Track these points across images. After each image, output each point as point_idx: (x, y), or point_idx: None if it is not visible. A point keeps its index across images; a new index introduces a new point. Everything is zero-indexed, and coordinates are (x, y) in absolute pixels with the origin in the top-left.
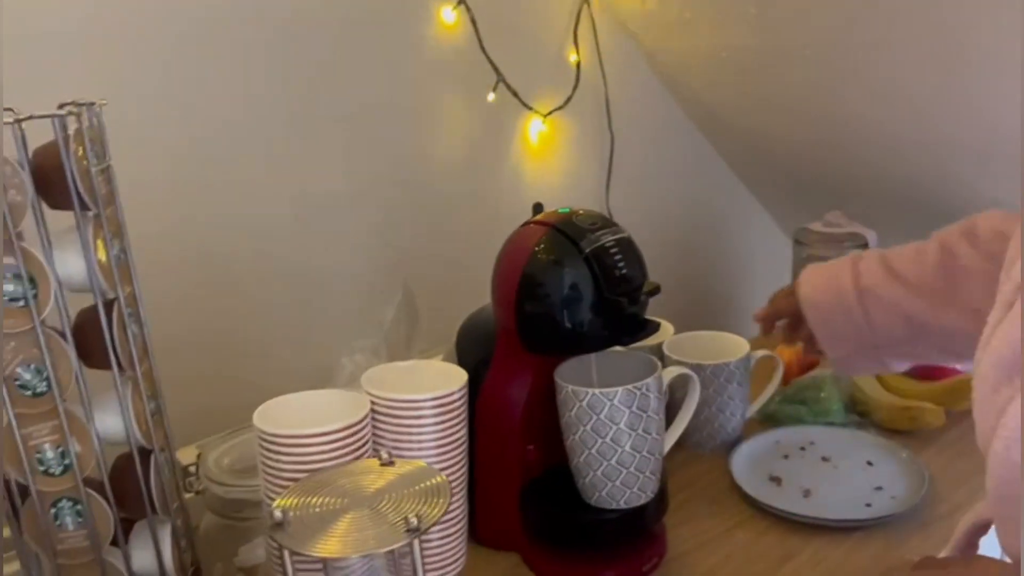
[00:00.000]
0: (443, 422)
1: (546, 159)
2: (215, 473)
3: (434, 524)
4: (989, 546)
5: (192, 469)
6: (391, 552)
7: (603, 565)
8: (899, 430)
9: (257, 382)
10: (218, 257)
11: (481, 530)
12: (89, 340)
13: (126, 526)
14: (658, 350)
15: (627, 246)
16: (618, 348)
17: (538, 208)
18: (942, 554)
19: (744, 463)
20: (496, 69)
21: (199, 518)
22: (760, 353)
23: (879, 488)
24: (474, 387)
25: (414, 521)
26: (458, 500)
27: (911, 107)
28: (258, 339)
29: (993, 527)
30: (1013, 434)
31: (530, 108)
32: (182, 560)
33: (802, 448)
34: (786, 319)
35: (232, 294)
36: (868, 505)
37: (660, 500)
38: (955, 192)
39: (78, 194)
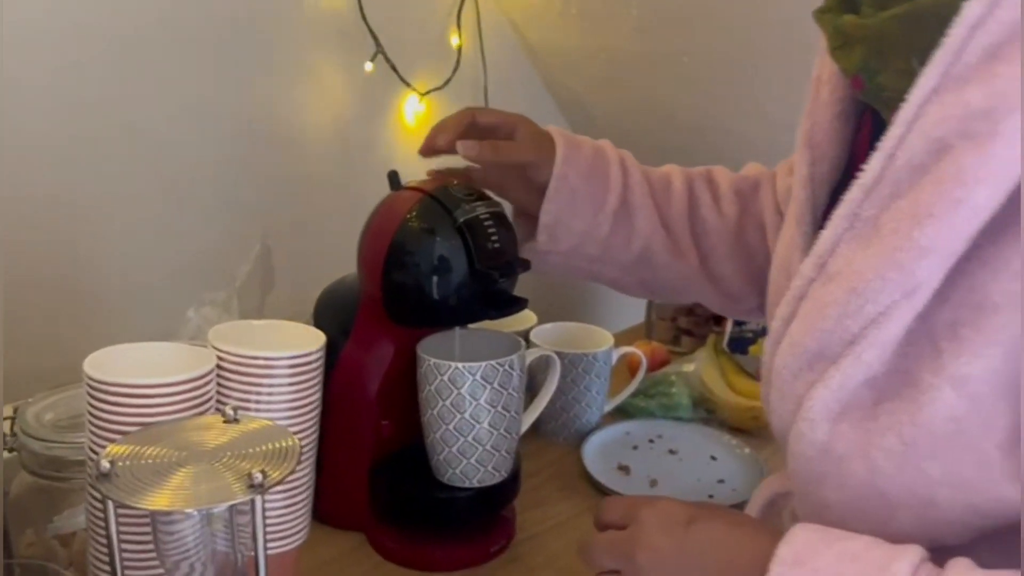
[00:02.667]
0: (296, 384)
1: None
2: (33, 428)
3: (279, 483)
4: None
5: (7, 426)
6: (229, 511)
7: (451, 546)
8: (742, 429)
9: (92, 335)
10: (57, 198)
11: (324, 506)
12: None
13: None
14: (524, 337)
15: (501, 219)
16: (483, 327)
17: (393, 175)
18: None
19: (595, 452)
20: (376, 39)
21: (11, 482)
22: (624, 349)
23: (721, 481)
24: (331, 358)
25: (259, 477)
26: (306, 468)
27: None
28: (96, 289)
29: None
30: (818, 414)
31: (408, 84)
32: None
33: (651, 440)
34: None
35: (69, 238)
36: (711, 496)
37: (513, 481)
38: None
39: None
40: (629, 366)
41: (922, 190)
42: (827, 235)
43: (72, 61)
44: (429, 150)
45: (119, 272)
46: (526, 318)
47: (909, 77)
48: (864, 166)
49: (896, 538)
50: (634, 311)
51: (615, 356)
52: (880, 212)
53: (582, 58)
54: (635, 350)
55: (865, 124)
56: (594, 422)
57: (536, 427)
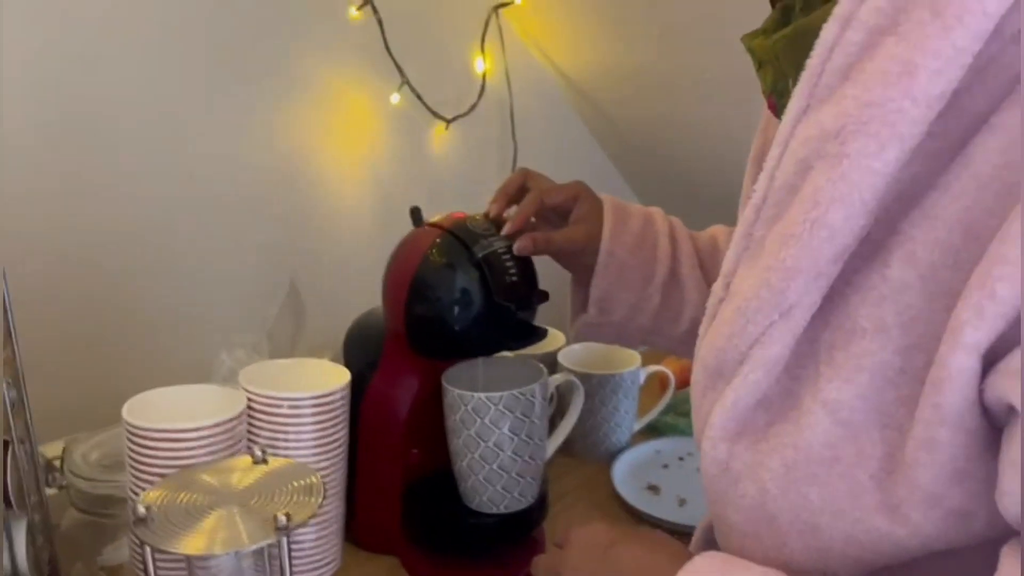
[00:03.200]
0: (322, 422)
1: (448, 165)
2: (81, 468)
3: (303, 524)
4: None
5: (56, 464)
6: (260, 551)
7: (483, 568)
8: None
9: (131, 377)
10: (96, 248)
11: (360, 532)
12: None
13: None
14: (552, 358)
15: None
16: (507, 354)
17: (415, 212)
18: None
19: (625, 472)
20: (401, 70)
21: (61, 515)
22: (652, 368)
23: None
24: (361, 389)
25: (283, 519)
26: (333, 501)
27: None
28: (133, 333)
29: None
30: (717, 433)
31: (434, 113)
32: (38, 557)
33: (681, 458)
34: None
35: (107, 286)
36: None
37: (540, 506)
38: None
39: None
40: (659, 384)
41: (790, 210)
42: (730, 255)
43: (110, 101)
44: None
45: (157, 314)
46: (555, 339)
47: None
48: (754, 187)
49: (790, 566)
50: None
51: (643, 375)
52: (766, 232)
53: (606, 76)
54: (663, 368)
55: None
56: (624, 441)
57: (566, 447)
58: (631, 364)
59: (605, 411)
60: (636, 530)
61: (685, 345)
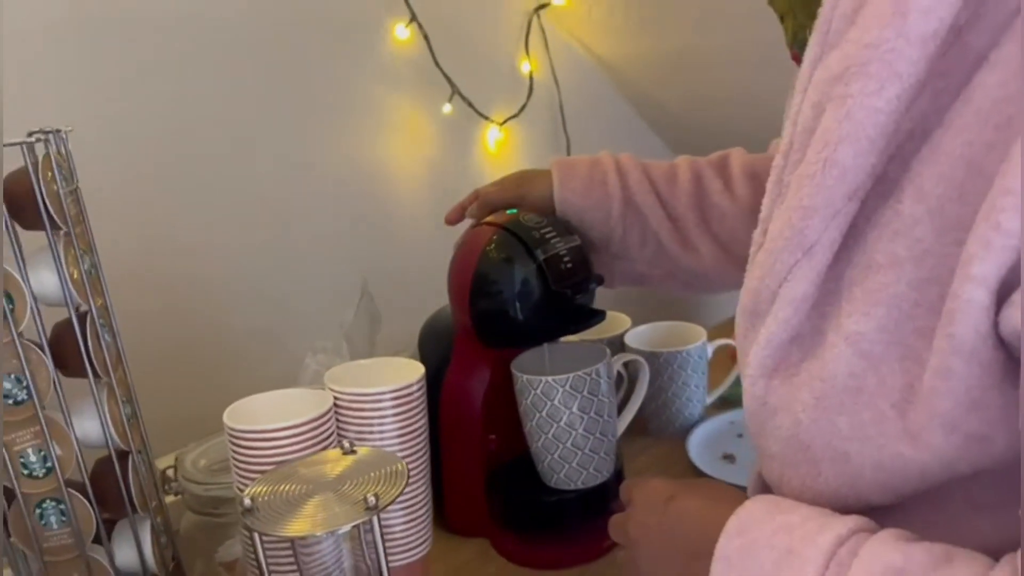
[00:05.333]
0: (402, 413)
1: (505, 165)
2: (192, 473)
3: (392, 502)
4: None
5: (171, 473)
6: (357, 530)
7: (567, 544)
8: None
9: (228, 388)
10: (184, 270)
11: (451, 518)
12: (66, 350)
13: (108, 525)
14: (619, 340)
15: (570, 240)
16: (571, 338)
17: None
18: None
19: (700, 444)
20: (450, 81)
21: (179, 519)
22: (719, 342)
23: None
24: (437, 384)
25: (372, 500)
26: (420, 485)
27: None
28: (226, 347)
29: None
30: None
31: (486, 117)
32: (163, 556)
33: None
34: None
35: (199, 306)
36: None
37: (617, 480)
38: None
39: (49, 215)
40: (729, 357)
41: (808, 152)
42: (765, 202)
43: (181, 125)
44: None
45: (249, 330)
46: (620, 322)
47: None
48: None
49: (825, 494)
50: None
51: (711, 349)
52: (792, 176)
53: (649, 61)
54: (731, 341)
55: None
56: (697, 415)
57: (641, 427)
58: (697, 339)
59: (675, 387)
60: (695, 481)
61: (656, 268)
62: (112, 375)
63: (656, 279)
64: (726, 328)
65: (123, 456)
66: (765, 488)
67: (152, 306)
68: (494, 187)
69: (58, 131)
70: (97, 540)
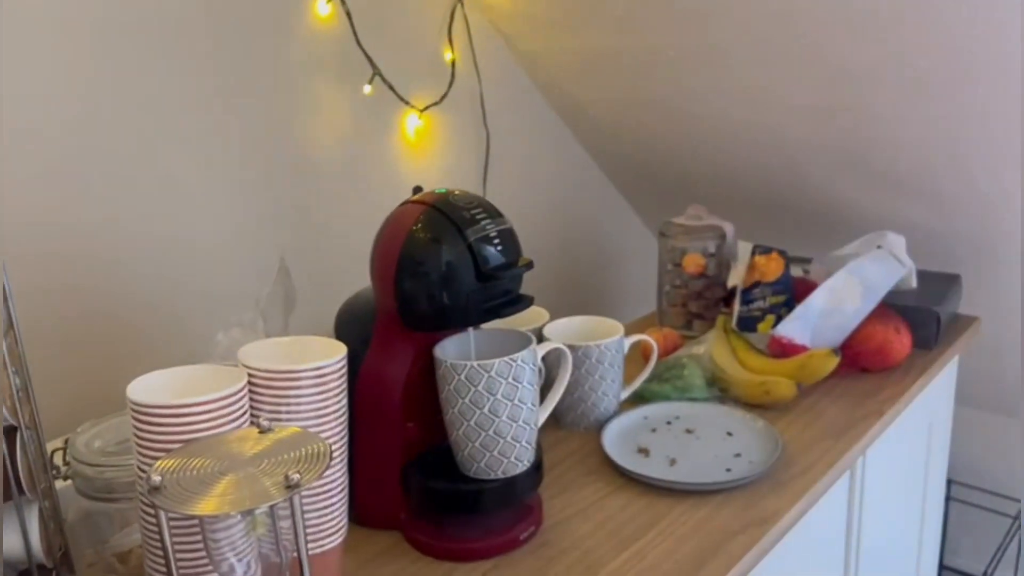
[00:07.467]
0: (321, 393)
1: (424, 153)
2: (84, 455)
3: (315, 479)
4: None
5: (59, 458)
6: (272, 515)
7: (483, 536)
8: (756, 403)
9: (130, 366)
10: (87, 249)
11: (362, 510)
12: None
13: None
14: (538, 333)
15: (500, 222)
16: (495, 326)
17: (418, 190)
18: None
19: (615, 437)
20: (372, 63)
21: (68, 509)
22: (635, 337)
23: (738, 455)
24: (354, 367)
25: (295, 477)
26: (338, 470)
27: (757, 107)
28: (128, 323)
29: None
30: None
31: (407, 103)
32: (50, 543)
33: (668, 422)
34: None
35: (99, 282)
36: (728, 470)
37: (536, 470)
38: (807, 189)
39: None
40: (643, 353)
41: None
42: None
43: (109, 102)
44: None
45: (149, 303)
46: (539, 315)
47: None
48: None
49: None
50: (645, 302)
51: (627, 344)
52: None
53: (570, 59)
54: (646, 337)
55: None
56: (612, 409)
57: (557, 419)
58: (614, 334)
59: (592, 381)
60: None
61: None
62: (2, 340)
63: None
64: (642, 324)
65: (10, 432)
66: None
67: (51, 284)
68: None
69: None
70: None
